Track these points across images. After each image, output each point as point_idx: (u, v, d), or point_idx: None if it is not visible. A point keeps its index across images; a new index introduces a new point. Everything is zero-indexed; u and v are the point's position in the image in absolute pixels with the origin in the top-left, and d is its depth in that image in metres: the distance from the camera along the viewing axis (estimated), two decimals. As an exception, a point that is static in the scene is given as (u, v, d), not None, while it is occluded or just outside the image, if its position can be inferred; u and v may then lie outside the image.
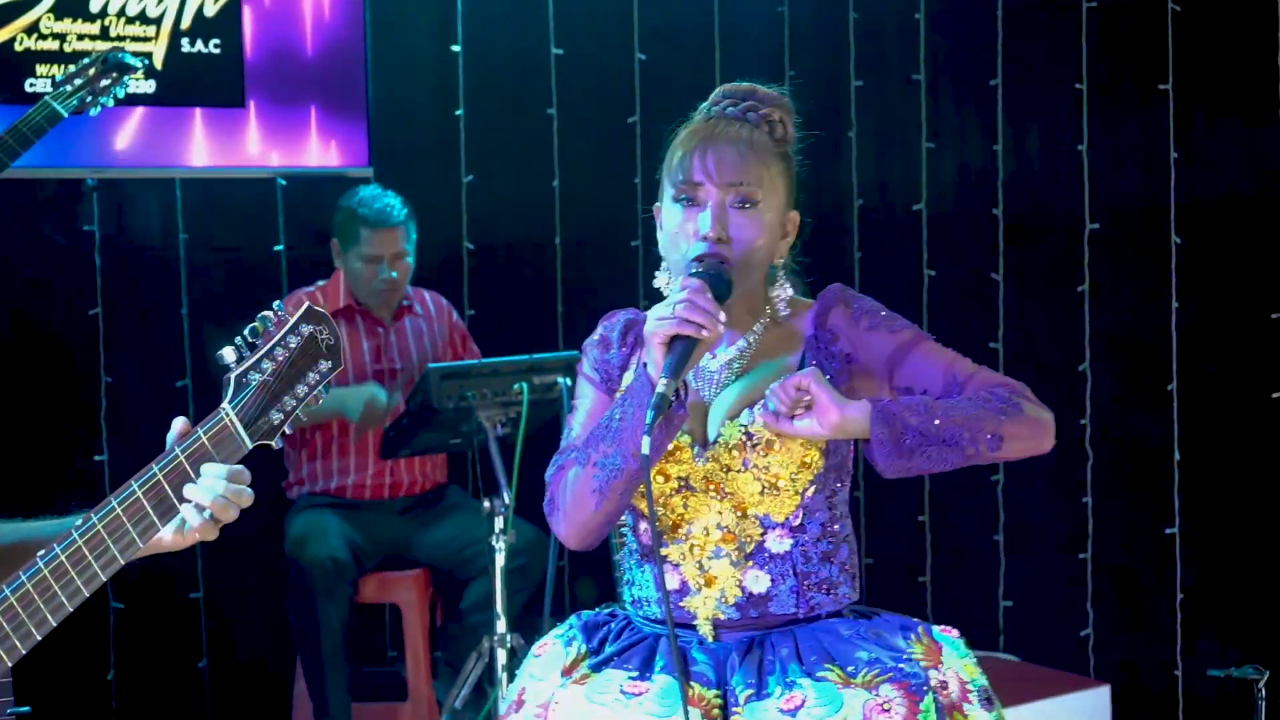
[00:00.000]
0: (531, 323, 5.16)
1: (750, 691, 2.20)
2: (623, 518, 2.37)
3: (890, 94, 5.39)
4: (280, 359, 1.84)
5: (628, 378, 2.35)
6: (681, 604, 2.30)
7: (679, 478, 2.29)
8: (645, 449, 2.09)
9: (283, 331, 1.85)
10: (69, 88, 3.53)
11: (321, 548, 4.24)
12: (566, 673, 2.29)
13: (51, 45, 4.41)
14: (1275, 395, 4.28)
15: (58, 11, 4.41)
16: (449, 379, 4.11)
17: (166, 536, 1.90)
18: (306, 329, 1.86)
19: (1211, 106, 4.47)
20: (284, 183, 4.82)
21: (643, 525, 2.34)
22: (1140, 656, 4.66)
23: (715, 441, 2.28)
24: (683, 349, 2.15)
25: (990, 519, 5.06)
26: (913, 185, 5.31)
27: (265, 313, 1.85)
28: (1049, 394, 5.10)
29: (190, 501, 1.84)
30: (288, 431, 1.85)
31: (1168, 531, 4.54)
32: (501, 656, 3.90)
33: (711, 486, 2.28)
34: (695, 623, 2.30)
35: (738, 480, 2.27)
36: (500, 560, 3.95)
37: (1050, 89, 4.86)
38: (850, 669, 2.19)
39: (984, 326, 5.06)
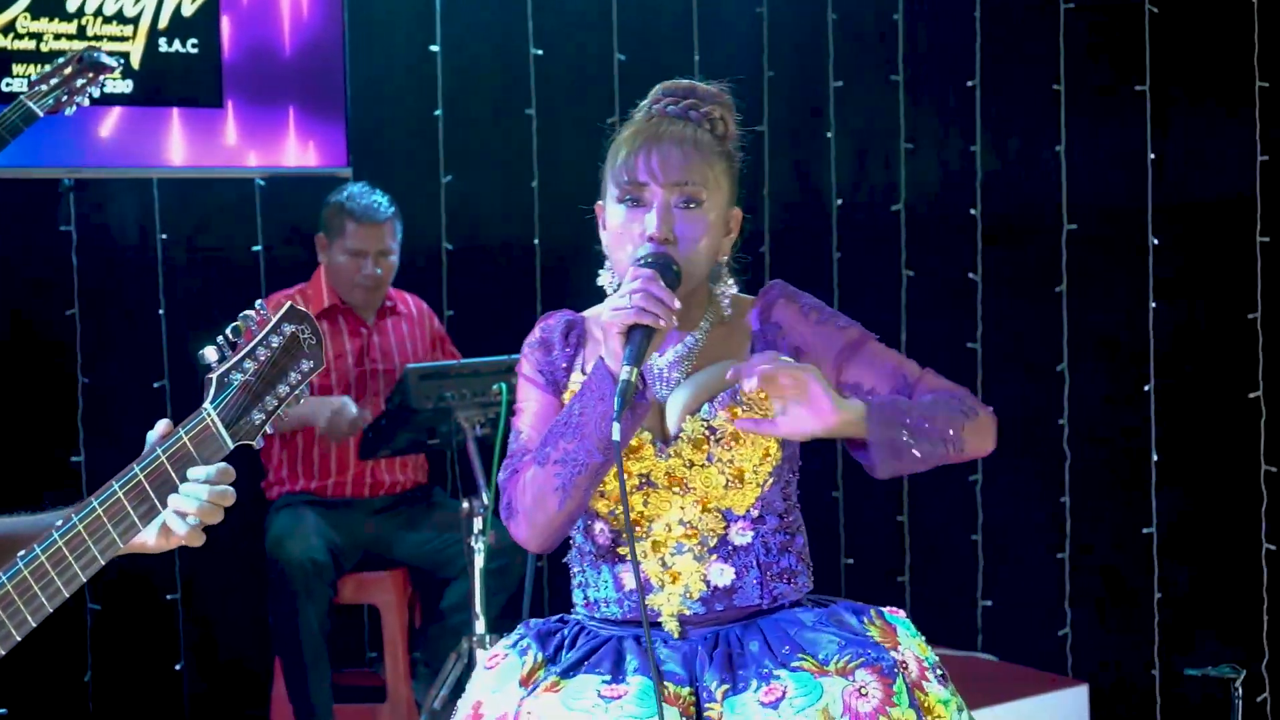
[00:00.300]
0: (511, 323, 5.15)
1: (726, 686, 2.21)
2: None
3: (869, 94, 5.40)
4: (262, 359, 1.84)
5: (575, 378, 2.35)
6: (645, 602, 2.28)
7: (640, 475, 2.29)
8: (616, 435, 2.10)
9: (264, 331, 1.84)
10: (44, 87, 3.51)
11: (301, 548, 4.23)
12: (525, 683, 2.26)
13: (28, 45, 4.39)
14: (1252, 395, 4.29)
15: (34, 11, 4.39)
16: (427, 379, 4.10)
17: (150, 540, 1.90)
18: (289, 328, 1.86)
19: (1189, 108, 4.48)
20: (262, 183, 4.81)
21: (598, 525, 2.34)
22: (1118, 656, 4.68)
23: (678, 437, 2.28)
24: (641, 337, 2.16)
25: (968, 519, 5.06)
26: (891, 186, 5.32)
27: (247, 312, 1.85)
28: (1028, 394, 5.14)
29: (175, 510, 1.84)
30: (269, 431, 1.85)
31: (1145, 531, 4.55)
32: (480, 657, 3.90)
33: (675, 483, 2.29)
34: (660, 619, 2.30)
35: (702, 474, 2.28)
36: (479, 561, 3.94)
37: (1028, 90, 4.87)
38: (823, 656, 2.20)
39: (963, 327, 5.07)
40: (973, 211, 5.05)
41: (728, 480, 2.28)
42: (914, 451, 2.22)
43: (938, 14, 5.19)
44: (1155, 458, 4.54)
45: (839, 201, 5.50)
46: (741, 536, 2.31)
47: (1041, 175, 4.83)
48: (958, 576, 5.09)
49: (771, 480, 2.31)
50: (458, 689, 4.11)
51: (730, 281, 2.39)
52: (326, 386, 4.45)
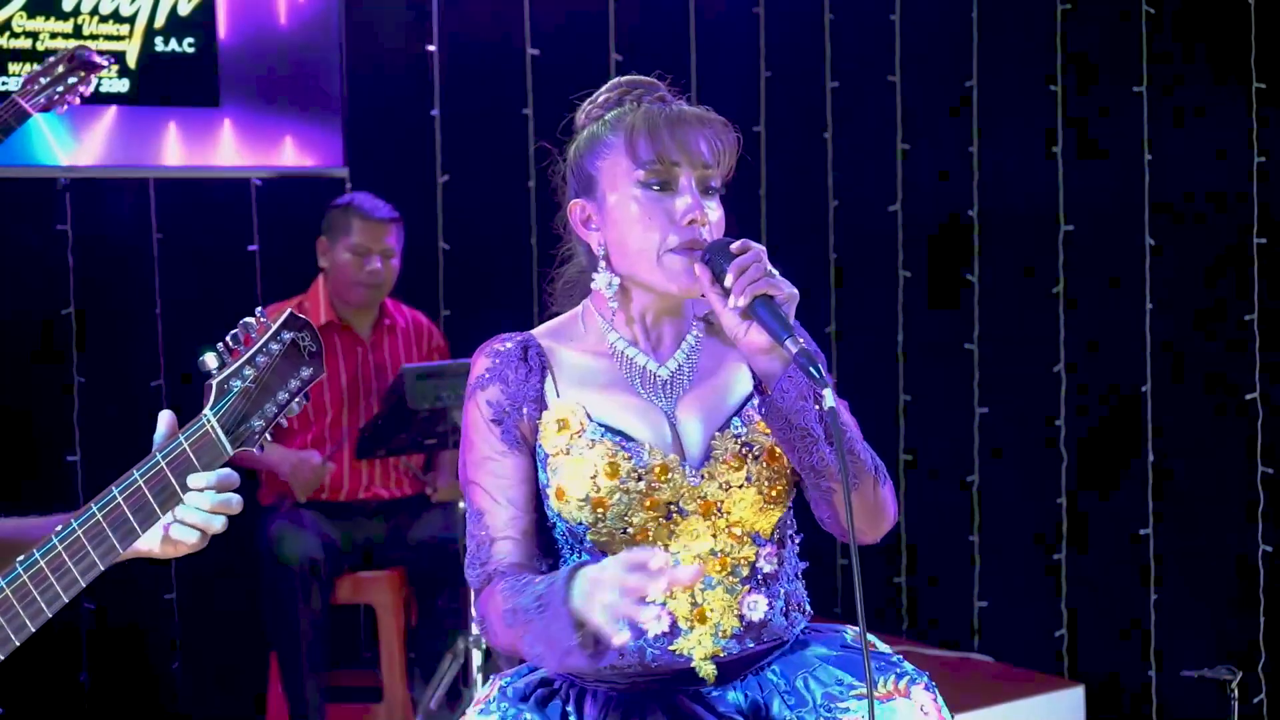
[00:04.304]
0: (507, 323, 5.12)
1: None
2: (559, 542, 2.12)
3: (866, 95, 5.40)
4: (262, 365, 1.83)
5: (553, 413, 2.08)
6: (671, 648, 2.07)
7: (668, 503, 2.05)
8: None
9: (264, 338, 1.84)
10: (36, 85, 3.51)
11: (297, 548, 4.23)
12: None
13: (24, 44, 4.39)
14: (1249, 396, 4.29)
15: (30, 10, 4.38)
16: (424, 379, 4.11)
17: (155, 547, 1.90)
18: (288, 335, 1.85)
19: (1185, 108, 4.48)
20: (259, 183, 4.80)
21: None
22: (1114, 657, 4.68)
23: (710, 457, 2.07)
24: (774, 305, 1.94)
25: (965, 519, 5.07)
26: (888, 186, 5.32)
27: (248, 319, 1.85)
28: (1024, 394, 5.14)
29: (179, 520, 1.84)
30: (269, 438, 1.85)
31: (1142, 532, 4.55)
32: (476, 657, 3.90)
33: (708, 509, 2.06)
34: (694, 664, 2.08)
35: (740, 497, 2.07)
36: (476, 561, 3.93)
37: (1025, 90, 4.87)
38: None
39: (959, 328, 5.07)
40: (970, 212, 5.05)
41: (764, 501, 2.07)
42: (804, 431, 1.96)
43: (935, 14, 5.19)
44: (1151, 459, 4.54)
45: (836, 202, 5.50)
46: (769, 563, 2.11)
47: (1038, 176, 4.83)
48: (954, 577, 5.10)
49: (791, 495, 2.13)
50: (454, 689, 4.12)
51: None
52: (320, 404, 4.45)
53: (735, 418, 2.11)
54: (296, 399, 1.85)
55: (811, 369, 1.86)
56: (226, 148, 4.71)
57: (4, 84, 4.34)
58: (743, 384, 2.14)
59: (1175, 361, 4.51)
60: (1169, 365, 4.52)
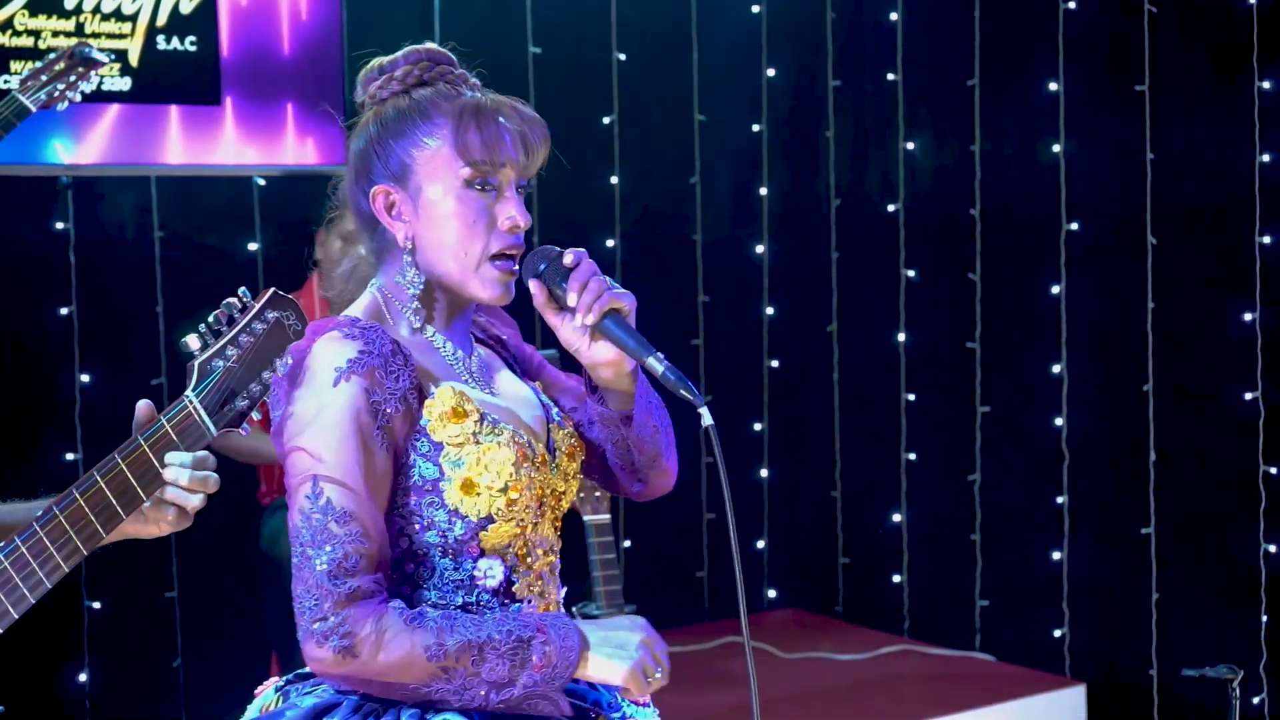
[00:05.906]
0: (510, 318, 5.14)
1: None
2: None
3: (867, 94, 5.39)
4: (245, 345, 1.83)
5: (438, 402, 1.91)
6: None
7: (543, 495, 1.99)
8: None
9: (247, 318, 1.83)
10: (36, 82, 3.51)
11: (297, 546, 4.23)
12: None
13: (26, 42, 4.39)
14: (1250, 396, 4.28)
15: (32, 8, 4.39)
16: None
17: (140, 528, 1.88)
18: (272, 315, 1.85)
19: (1187, 109, 4.47)
20: (261, 181, 4.80)
21: (483, 564, 1.93)
22: (1115, 656, 4.67)
23: (557, 449, 2.02)
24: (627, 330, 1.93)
25: (966, 519, 5.05)
26: (890, 185, 5.31)
27: (230, 299, 1.84)
28: (1026, 394, 5.11)
29: (159, 497, 1.82)
30: (255, 418, 1.84)
31: (1143, 531, 4.54)
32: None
33: (556, 502, 2.02)
34: None
35: (572, 486, 2.05)
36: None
37: (1027, 90, 4.87)
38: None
39: (961, 327, 5.06)
40: (971, 211, 5.04)
41: (577, 488, 2.07)
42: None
43: (936, 14, 5.19)
44: (1153, 458, 4.53)
45: (837, 201, 5.50)
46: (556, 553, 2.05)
47: (1040, 175, 4.82)
48: (955, 576, 5.09)
49: None
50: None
51: None
52: None
53: (554, 410, 2.07)
54: None
55: (683, 387, 1.82)
56: (228, 146, 4.72)
57: (6, 82, 4.35)
58: (514, 374, 2.10)
59: (1176, 361, 4.50)
60: (1169, 364, 4.51)
